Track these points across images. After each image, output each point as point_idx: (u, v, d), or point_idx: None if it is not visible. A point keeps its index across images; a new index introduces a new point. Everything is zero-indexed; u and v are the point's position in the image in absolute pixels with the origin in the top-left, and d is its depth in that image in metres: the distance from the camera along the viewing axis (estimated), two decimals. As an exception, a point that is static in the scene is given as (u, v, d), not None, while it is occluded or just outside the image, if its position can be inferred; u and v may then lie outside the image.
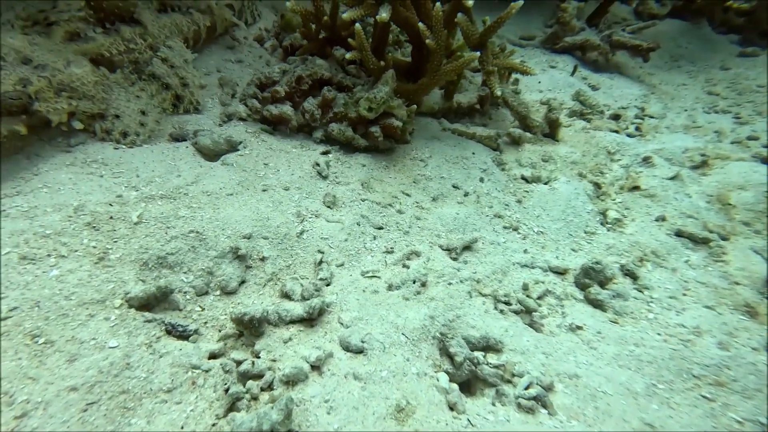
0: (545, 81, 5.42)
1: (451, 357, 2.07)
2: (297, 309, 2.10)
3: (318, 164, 3.03)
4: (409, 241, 2.78)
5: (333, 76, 3.44)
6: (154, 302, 2.04)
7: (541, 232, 3.19)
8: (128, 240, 2.21)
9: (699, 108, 5.37)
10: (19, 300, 1.86)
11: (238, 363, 1.91)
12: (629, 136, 4.49)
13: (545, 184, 3.63)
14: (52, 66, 2.61)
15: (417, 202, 3.12)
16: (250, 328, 2.01)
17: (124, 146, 2.82)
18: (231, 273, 2.25)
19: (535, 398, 1.92)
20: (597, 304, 2.61)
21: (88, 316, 1.89)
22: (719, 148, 4.28)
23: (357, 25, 3.26)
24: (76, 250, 2.11)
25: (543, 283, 2.70)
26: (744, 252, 3.09)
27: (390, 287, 2.39)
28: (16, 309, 1.84)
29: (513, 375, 2.05)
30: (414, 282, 2.42)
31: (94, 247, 2.14)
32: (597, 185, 3.70)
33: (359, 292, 2.33)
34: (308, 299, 2.14)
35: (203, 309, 2.15)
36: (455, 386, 1.96)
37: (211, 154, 2.96)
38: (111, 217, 2.28)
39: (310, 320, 2.12)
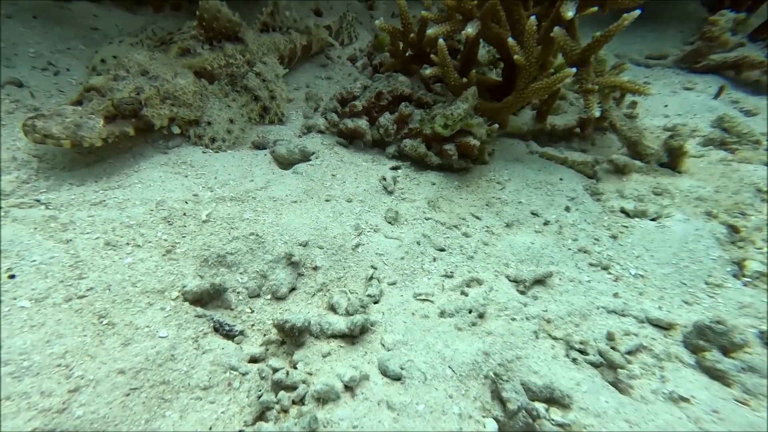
0: (674, 104, 4.81)
1: (503, 402, 1.83)
2: (340, 323, 2.02)
3: (384, 178, 2.97)
4: (472, 266, 2.57)
5: (413, 93, 3.40)
6: (207, 298, 2.11)
7: (641, 275, 2.74)
8: (195, 236, 2.33)
9: None
10: (96, 281, 2.04)
11: (275, 371, 1.87)
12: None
13: (652, 220, 3.14)
14: (162, 77, 2.93)
15: (487, 227, 2.89)
16: (291, 337, 1.97)
17: (211, 150, 3.05)
18: (283, 279, 2.26)
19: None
20: (715, 375, 2.14)
21: (147, 304, 2.00)
22: None
23: (440, 40, 3.19)
24: (149, 241, 2.28)
25: (636, 336, 2.29)
26: None
27: (442, 314, 2.21)
28: (92, 290, 2.01)
29: (579, 439, 1.74)
30: (470, 312, 2.21)
31: (165, 240, 2.29)
32: (734, 228, 3.09)
33: (407, 315, 2.18)
34: (352, 314, 2.06)
35: (252, 311, 2.17)
36: (503, 437, 1.71)
37: (285, 163, 3.07)
38: (184, 214, 2.44)
39: (351, 337, 2.03)
